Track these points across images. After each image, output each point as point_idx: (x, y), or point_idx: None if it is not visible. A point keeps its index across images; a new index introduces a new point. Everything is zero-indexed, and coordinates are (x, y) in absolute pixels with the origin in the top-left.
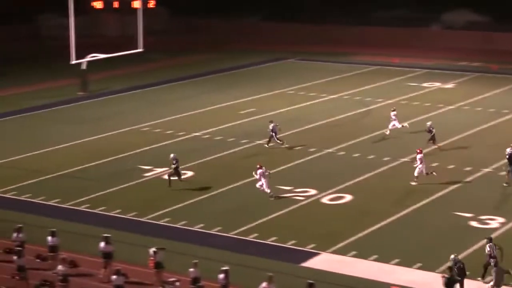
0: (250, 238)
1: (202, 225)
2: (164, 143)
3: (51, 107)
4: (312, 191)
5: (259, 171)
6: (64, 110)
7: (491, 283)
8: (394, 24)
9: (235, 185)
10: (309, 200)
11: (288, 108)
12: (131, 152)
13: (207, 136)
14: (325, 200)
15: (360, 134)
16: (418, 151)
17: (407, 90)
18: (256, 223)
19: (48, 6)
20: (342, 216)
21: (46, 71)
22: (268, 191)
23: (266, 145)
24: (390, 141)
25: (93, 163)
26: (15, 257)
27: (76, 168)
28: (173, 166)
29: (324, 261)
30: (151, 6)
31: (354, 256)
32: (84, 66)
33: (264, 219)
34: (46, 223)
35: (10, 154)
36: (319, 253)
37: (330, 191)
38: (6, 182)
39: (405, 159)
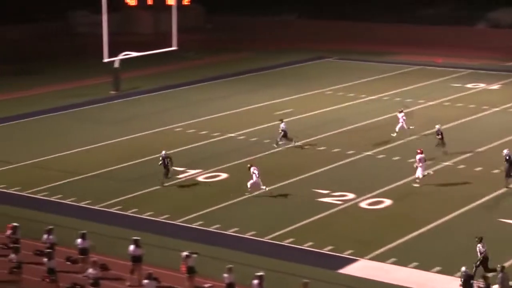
0: (285, 243)
1: (236, 229)
2: (198, 144)
3: (82, 106)
4: (350, 195)
5: (253, 168)
6: (95, 109)
7: (496, 286)
8: (438, 22)
9: (270, 187)
10: (347, 204)
11: (326, 109)
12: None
13: (243, 137)
14: (363, 204)
15: (400, 137)
16: (419, 151)
17: (450, 91)
18: (292, 227)
19: (80, 3)
20: (381, 222)
21: (77, 69)
22: (258, 187)
23: (296, 144)
24: (431, 144)
25: (125, 164)
26: (45, 259)
27: (108, 169)
28: (160, 163)
29: (362, 268)
30: (186, 3)
31: (393, 263)
32: (116, 65)
33: (300, 224)
34: (76, 224)
35: (40, 154)
36: (357, 260)
37: (369, 195)
38: (37, 183)
39: (447, 163)
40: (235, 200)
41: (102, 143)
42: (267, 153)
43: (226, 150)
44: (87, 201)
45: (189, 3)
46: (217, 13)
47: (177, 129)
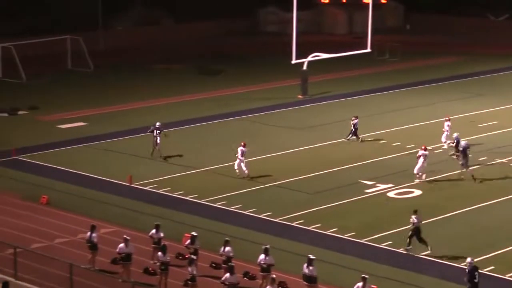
0: (485, 271)
1: (428, 252)
2: (389, 156)
3: (266, 110)
4: None
5: (242, 148)
6: (281, 114)
7: None
8: None
9: (468, 208)
10: None
11: None
12: (353, 165)
13: (439, 150)
14: None
15: None
16: (423, 147)
17: None
18: (493, 254)
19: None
20: None
21: (264, 70)
22: (246, 172)
23: (350, 140)
24: None
25: (309, 175)
26: (227, 275)
27: (291, 179)
28: (156, 136)
29: None
30: (383, 1)
31: None
32: (305, 67)
33: (503, 250)
34: (255, 237)
35: (222, 160)
36: None
37: None
38: (215, 191)
39: None
40: (428, 220)
41: (286, 151)
42: (463, 169)
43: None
44: (268, 213)
45: (386, 2)
46: (419, 13)
47: (368, 139)
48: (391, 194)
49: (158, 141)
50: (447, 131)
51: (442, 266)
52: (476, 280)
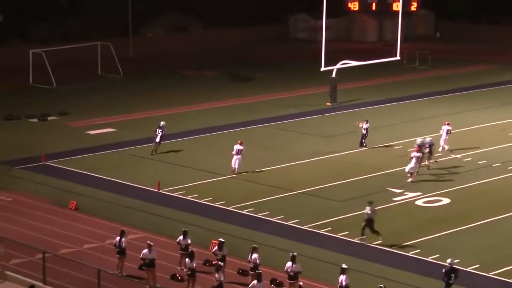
0: None
1: (456, 260)
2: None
3: (295, 117)
4: None
5: (237, 146)
6: (310, 121)
7: None
8: None
9: (498, 217)
10: None
11: None
12: (381, 172)
13: (469, 159)
14: None
15: None
16: (416, 149)
17: None
18: None
19: (301, 7)
20: None
21: (293, 77)
22: (236, 167)
23: (360, 147)
24: None
25: (337, 182)
26: (254, 282)
27: (320, 187)
28: (158, 134)
29: None
30: (414, 9)
31: None
32: (334, 74)
33: None
34: (283, 244)
35: (250, 167)
36: None
37: None
38: (242, 197)
39: None
40: (457, 229)
41: (315, 158)
42: (495, 178)
43: (449, 173)
44: (295, 220)
45: (415, 9)
46: (450, 20)
47: (397, 147)
48: (419, 203)
49: (160, 139)
50: (445, 136)
51: (472, 276)
52: (451, 281)
